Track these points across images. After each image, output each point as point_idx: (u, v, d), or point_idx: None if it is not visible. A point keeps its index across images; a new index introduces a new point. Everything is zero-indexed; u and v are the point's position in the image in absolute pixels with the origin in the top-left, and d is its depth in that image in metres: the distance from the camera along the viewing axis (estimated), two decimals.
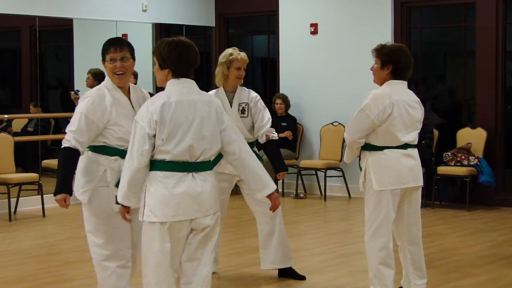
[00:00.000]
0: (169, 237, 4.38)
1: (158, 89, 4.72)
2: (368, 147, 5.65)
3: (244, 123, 6.59)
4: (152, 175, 4.39)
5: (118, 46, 4.95)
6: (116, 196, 4.64)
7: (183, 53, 4.46)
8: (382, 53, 5.62)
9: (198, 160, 4.42)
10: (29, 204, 10.51)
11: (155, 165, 4.38)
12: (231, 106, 6.59)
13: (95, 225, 4.95)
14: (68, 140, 4.83)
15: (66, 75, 12.74)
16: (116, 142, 4.92)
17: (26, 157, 12.07)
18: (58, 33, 13.22)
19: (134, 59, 5.01)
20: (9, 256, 7.90)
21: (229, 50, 6.58)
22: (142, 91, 5.14)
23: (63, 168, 4.84)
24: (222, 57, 6.58)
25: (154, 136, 4.35)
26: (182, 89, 4.44)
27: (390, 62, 5.59)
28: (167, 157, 4.37)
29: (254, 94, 6.71)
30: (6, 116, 11.51)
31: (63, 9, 11.51)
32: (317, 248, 8.23)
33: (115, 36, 11.97)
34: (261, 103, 6.67)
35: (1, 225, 9.26)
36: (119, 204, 4.55)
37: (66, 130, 4.88)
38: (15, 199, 10.22)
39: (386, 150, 5.60)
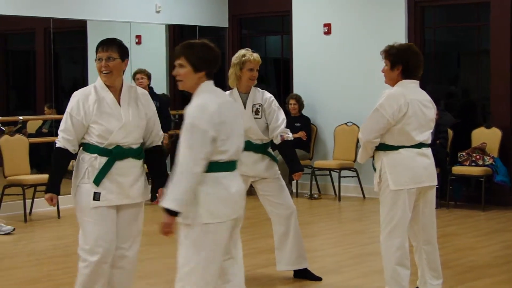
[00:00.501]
0: (227, 237, 4.49)
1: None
2: (383, 147, 5.64)
3: (258, 124, 6.58)
4: (209, 177, 4.40)
5: (105, 46, 5.07)
6: (94, 193, 4.96)
7: (216, 54, 4.51)
8: (390, 54, 5.63)
9: (238, 159, 4.56)
10: (44, 205, 10.46)
11: (211, 166, 4.39)
12: (245, 107, 6.58)
13: (80, 219, 5.10)
14: (58, 140, 5.06)
15: (80, 76, 12.78)
16: (96, 139, 5.02)
17: (40, 159, 12.11)
18: (72, 34, 13.25)
19: (123, 59, 5.08)
20: (25, 257, 7.94)
21: (241, 51, 6.57)
22: (137, 91, 5.16)
23: (52, 168, 5.13)
24: (235, 58, 6.57)
25: (215, 138, 4.37)
26: (219, 90, 4.54)
27: (400, 62, 5.59)
28: (224, 158, 4.42)
29: (268, 95, 6.69)
30: (21, 117, 11.56)
31: (77, 11, 11.55)
32: (332, 248, 8.22)
33: (128, 37, 12.04)
34: (275, 103, 6.66)
35: (17, 226, 9.29)
36: (96, 200, 4.95)
37: (58, 130, 5.09)
38: (30, 200, 10.26)
39: (401, 150, 5.59)
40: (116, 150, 5.00)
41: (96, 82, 5.11)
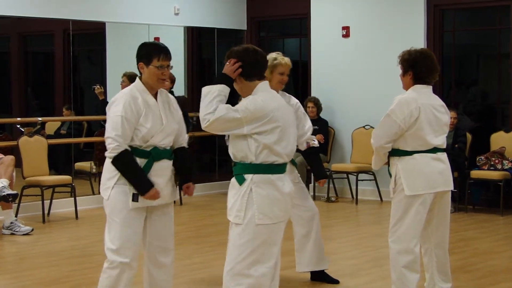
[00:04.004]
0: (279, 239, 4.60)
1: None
2: (397, 152, 5.64)
3: None
4: (263, 178, 4.51)
5: (169, 54, 5.05)
6: (133, 194, 4.91)
7: (255, 57, 4.65)
8: (403, 59, 5.69)
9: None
10: (62, 206, 10.58)
11: (265, 168, 4.51)
12: None
13: (110, 220, 5.04)
14: (118, 145, 4.88)
15: (98, 78, 12.81)
16: (138, 142, 4.98)
17: (59, 160, 12.16)
18: (91, 36, 13.30)
19: None
20: (43, 258, 7.97)
21: (273, 55, 6.51)
22: (168, 95, 5.21)
23: (133, 169, 4.93)
24: None
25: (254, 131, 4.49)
26: (275, 93, 4.68)
27: (410, 68, 5.63)
28: (279, 160, 4.54)
29: (295, 100, 6.66)
30: (40, 119, 11.62)
31: (96, 13, 11.59)
32: (349, 252, 8.21)
33: (147, 39, 12.05)
34: (301, 110, 6.64)
35: (35, 227, 9.33)
36: (135, 202, 4.89)
37: (110, 136, 4.91)
38: (49, 201, 10.30)
39: (415, 155, 5.58)
40: (154, 151, 5.01)
41: (135, 85, 5.06)
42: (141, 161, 4.98)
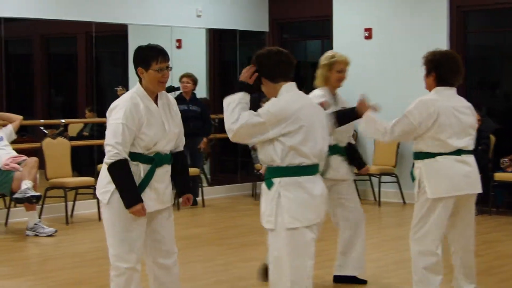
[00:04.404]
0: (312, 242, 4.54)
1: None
2: (420, 155, 5.61)
3: (344, 126, 6.40)
4: (291, 181, 4.46)
5: (166, 55, 4.96)
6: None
7: (278, 58, 4.65)
8: (427, 60, 5.68)
9: (320, 162, 4.62)
10: (85, 207, 10.62)
11: (292, 170, 4.46)
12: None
13: (111, 225, 4.98)
14: (118, 153, 4.80)
15: (121, 80, 12.85)
16: (140, 149, 4.91)
17: (82, 161, 12.21)
18: (113, 38, 13.36)
19: None
20: (67, 259, 8.00)
21: (329, 53, 6.47)
22: (168, 97, 5.12)
23: (126, 180, 4.84)
24: (323, 60, 6.49)
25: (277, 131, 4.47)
26: (301, 93, 4.65)
27: (433, 69, 5.60)
28: (307, 161, 4.48)
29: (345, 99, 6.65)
30: (63, 121, 11.67)
31: (119, 15, 11.64)
32: (373, 254, 8.17)
33: (169, 41, 12.11)
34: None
35: (59, 228, 9.37)
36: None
37: (110, 143, 4.83)
38: (72, 202, 10.35)
39: (438, 157, 5.55)
40: (157, 157, 4.96)
41: (135, 90, 4.98)
42: (144, 167, 4.91)
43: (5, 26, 10.91)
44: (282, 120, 4.46)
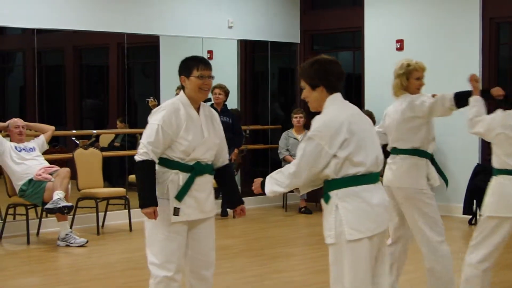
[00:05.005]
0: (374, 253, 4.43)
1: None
2: (494, 171, 5.61)
3: None
4: (348, 192, 4.38)
5: (208, 64, 5.10)
6: (174, 208, 4.92)
7: (330, 67, 4.61)
8: None
9: (379, 170, 4.52)
10: (116, 218, 10.66)
11: (348, 181, 4.39)
12: None
13: (151, 234, 5.03)
14: (146, 152, 4.91)
15: (152, 91, 12.90)
16: (179, 155, 4.98)
17: (113, 172, 12.26)
18: (145, 49, 13.42)
19: None
20: (98, 270, 8.03)
21: (404, 61, 6.25)
22: (211, 110, 5.22)
23: (147, 181, 4.94)
24: (399, 69, 6.24)
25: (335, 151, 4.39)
26: (346, 102, 4.57)
27: None
28: (362, 170, 4.39)
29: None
30: (95, 131, 11.74)
31: (151, 26, 11.71)
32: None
33: (200, 52, 12.14)
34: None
35: (90, 238, 9.41)
36: (176, 216, 4.88)
37: (142, 141, 4.97)
38: (103, 213, 10.39)
39: (500, 175, 5.57)
40: (197, 166, 5.01)
41: (179, 98, 5.08)
42: (184, 175, 4.97)
43: (38, 37, 11.01)
44: (334, 134, 4.37)
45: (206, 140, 5.03)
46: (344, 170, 4.38)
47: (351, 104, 4.60)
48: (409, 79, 6.18)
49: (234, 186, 5.37)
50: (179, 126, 4.95)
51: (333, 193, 4.41)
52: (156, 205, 4.92)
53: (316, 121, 4.47)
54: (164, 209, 4.97)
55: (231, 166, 5.36)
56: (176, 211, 4.97)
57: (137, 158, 4.95)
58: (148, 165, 4.92)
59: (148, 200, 4.91)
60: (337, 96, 4.56)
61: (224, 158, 5.26)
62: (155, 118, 4.98)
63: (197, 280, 5.14)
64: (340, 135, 4.36)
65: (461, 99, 5.94)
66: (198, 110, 5.09)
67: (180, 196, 4.97)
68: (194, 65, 5.05)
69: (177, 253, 5.01)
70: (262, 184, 4.64)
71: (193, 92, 5.04)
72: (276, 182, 4.57)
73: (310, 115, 13.03)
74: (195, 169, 5.00)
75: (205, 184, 5.09)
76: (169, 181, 4.99)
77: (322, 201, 4.50)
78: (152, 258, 5.02)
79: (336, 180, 4.39)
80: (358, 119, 4.50)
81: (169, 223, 4.97)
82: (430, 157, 6.10)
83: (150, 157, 4.92)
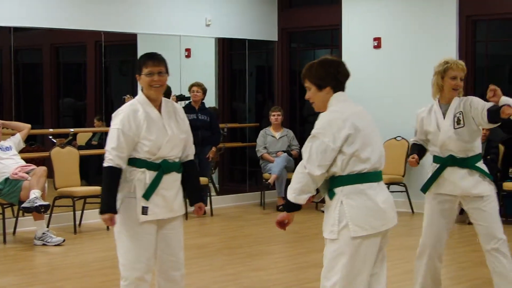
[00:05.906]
0: (375, 250, 4.44)
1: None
2: None
3: (458, 135, 5.99)
4: (353, 189, 4.40)
5: (156, 61, 5.02)
6: (142, 207, 4.89)
7: (335, 67, 4.70)
8: None
9: (382, 168, 4.56)
10: (93, 217, 10.59)
11: (353, 178, 4.41)
12: (444, 117, 6.04)
13: (119, 233, 5.02)
14: (111, 159, 4.89)
15: (129, 89, 12.86)
16: (144, 155, 4.96)
17: (90, 171, 12.22)
18: (123, 47, 13.38)
19: (168, 74, 5.08)
20: (75, 269, 8.00)
21: (445, 59, 6.02)
22: (174, 105, 5.19)
23: (108, 187, 4.92)
24: (437, 67, 6.02)
25: (341, 149, 4.40)
26: (350, 101, 4.61)
27: None
28: (367, 167, 4.43)
29: (467, 98, 6.14)
30: (72, 130, 11.69)
31: (128, 24, 11.67)
32: None
33: (178, 50, 12.13)
34: (479, 101, 6.16)
35: (67, 237, 9.37)
36: (144, 215, 4.87)
37: (107, 148, 4.93)
38: (80, 212, 10.35)
39: None
40: (164, 164, 4.98)
41: (137, 98, 5.05)
42: (151, 174, 4.94)
43: (14, 35, 10.94)
44: (337, 131, 4.39)
45: (171, 137, 5.00)
46: (350, 167, 4.41)
47: (354, 102, 4.64)
48: (444, 78, 5.96)
49: (196, 182, 5.31)
50: (139, 127, 4.92)
51: (338, 190, 4.43)
52: (115, 212, 4.91)
53: (320, 119, 4.50)
54: (132, 208, 4.95)
55: (195, 162, 5.29)
56: (144, 210, 4.93)
57: (104, 164, 4.93)
58: (111, 171, 4.89)
59: (107, 207, 4.90)
60: (342, 94, 4.61)
61: (188, 153, 5.19)
62: (115, 123, 4.96)
63: (166, 281, 5.10)
64: (344, 130, 4.39)
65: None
66: (160, 107, 5.06)
67: (147, 195, 4.93)
68: (143, 63, 5.01)
69: (146, 253, 4.97)
70: (285, 207, 4.59)
71: (145, 90, 5.02)
72: (296, 189, 4.47)
73: (288, 113, 13.06)
74: (162, 167, 4.97)
75: (173, 182, 5.05)
76: (136, 180, 4.95)
77: (326, 197, 4.52)
78: (121, 258, 5.00)
79: (342, 177, 4.42)
80: (362, 116, 4.56)
81: (137, 223, 4.93)
82: None
83: (114, 163, 4.88)
